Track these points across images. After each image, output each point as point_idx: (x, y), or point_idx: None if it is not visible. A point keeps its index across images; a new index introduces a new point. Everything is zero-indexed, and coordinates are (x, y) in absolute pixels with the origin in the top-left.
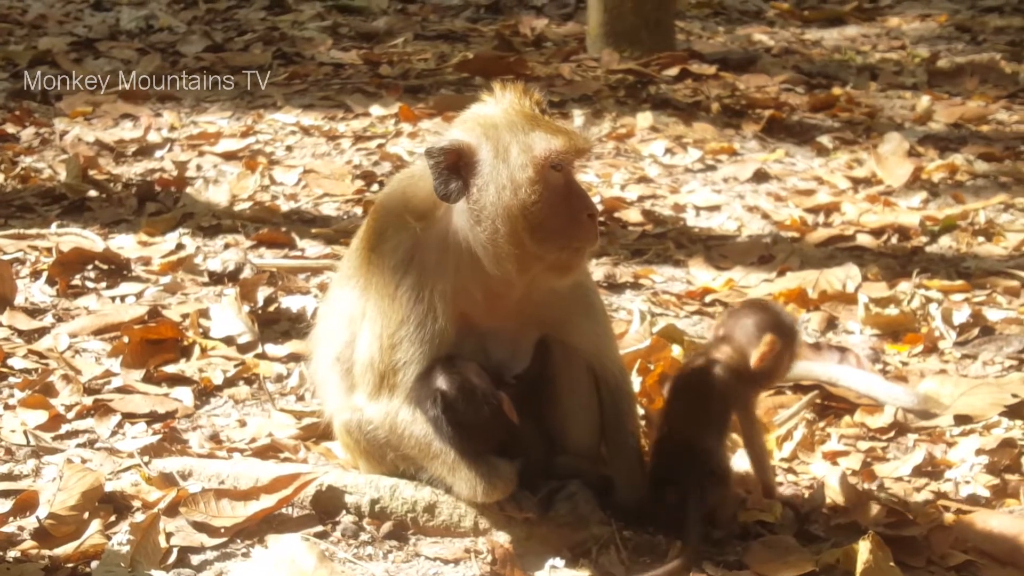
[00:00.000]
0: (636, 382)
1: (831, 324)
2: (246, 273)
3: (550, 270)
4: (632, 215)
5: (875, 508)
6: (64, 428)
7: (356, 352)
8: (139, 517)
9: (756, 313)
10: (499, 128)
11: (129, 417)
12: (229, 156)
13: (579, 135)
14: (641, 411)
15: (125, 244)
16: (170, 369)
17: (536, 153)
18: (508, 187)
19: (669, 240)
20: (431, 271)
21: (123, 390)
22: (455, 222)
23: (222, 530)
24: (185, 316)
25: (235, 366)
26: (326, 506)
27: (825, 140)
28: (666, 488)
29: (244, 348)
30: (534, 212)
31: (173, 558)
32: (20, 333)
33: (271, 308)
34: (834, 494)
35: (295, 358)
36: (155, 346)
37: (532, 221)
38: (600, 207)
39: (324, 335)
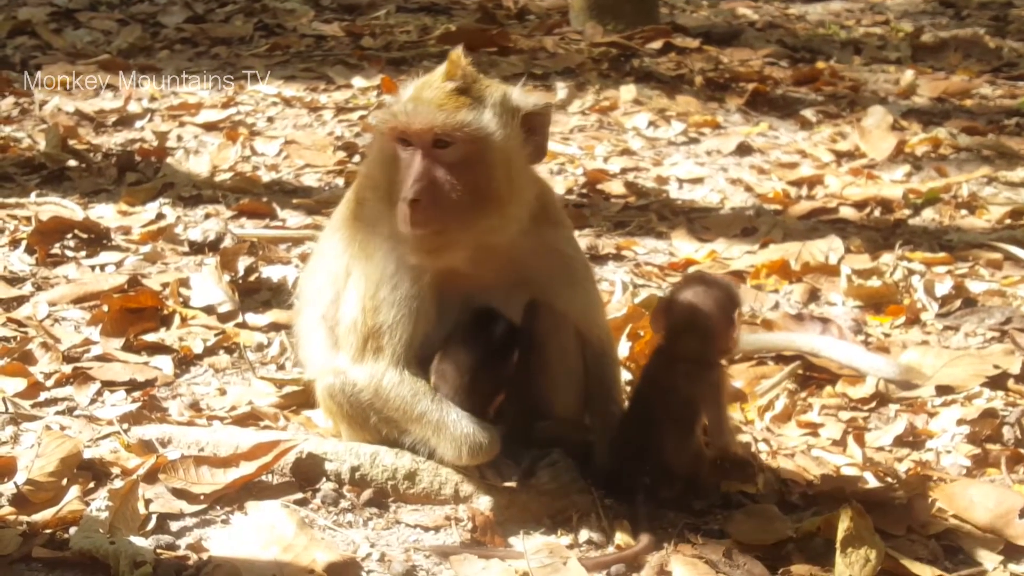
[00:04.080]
0: (625, 347)
1: (814, 296)
2: (227, 243)
3: (409, 249)
4: (615, 187)
5: (857, 477)
6: (43, 396)
7: (340, 312)
8: (118, 484)
9: (718, 294)
10: (399, 96)
11: (108, 385)
12: (210, 127)
13: (426, 112)
14: (628, 376)
15: (105, 213)
16: (150, 338)
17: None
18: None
19: (652, 212)
20: None
21: (102, 358)
22: None
23: (201, 497)
24: (165, 285)
25: (215, 335)
26: (306, 473)
27: (809, 114)
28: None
29: (224, 317)
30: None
31: (152, 524)
32: None
33: (252, 278)
34: (810, 465)
35: (275, 327)
36: (135, 315)
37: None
38: (583, 179)
39: (310, 291)
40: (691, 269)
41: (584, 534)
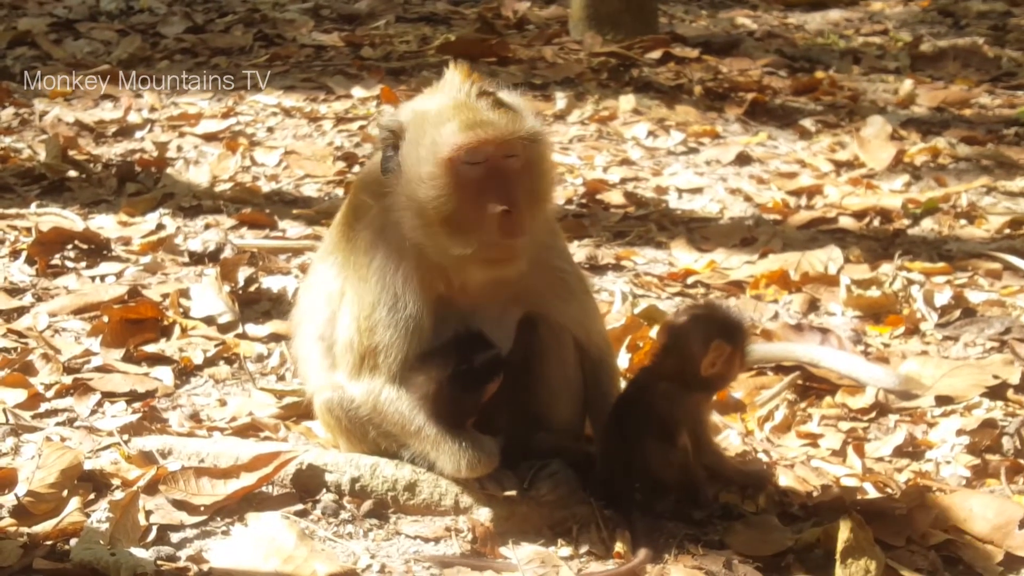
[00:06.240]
0: (625, 358)
1: (813, 306)
2: (227, 253)
3: (478, 263)
4: (614, 197)
5: (856, 488)
6: (43, 407)
7: (336, 331)
8: (118, 495)
9: (700, 319)
10: (426, 116)
11: (109, 396)
12: (210, 137)
13: (501, 125)
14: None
15: (105, 224)
16: (150, 348)
17: (440, 148)
18: (414, 179)
19: (651, 222)
20: (396, 251)
21: (103, 369)
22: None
23: (202, 508)
24: (165, 296)
25: (215, 346)
26: (306, 484)
27: (808, 123)
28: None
29: (224, 328)
30: (437, 206)
31: (152, 536)
32: None
33: (252, 288)
34: (810, 476)
35: (275, 338)
36: (135, 325)
37: (438, 215)
38: (582, 189)
39: (306, 311)
40: (690, 279)
41: (584, 545)
